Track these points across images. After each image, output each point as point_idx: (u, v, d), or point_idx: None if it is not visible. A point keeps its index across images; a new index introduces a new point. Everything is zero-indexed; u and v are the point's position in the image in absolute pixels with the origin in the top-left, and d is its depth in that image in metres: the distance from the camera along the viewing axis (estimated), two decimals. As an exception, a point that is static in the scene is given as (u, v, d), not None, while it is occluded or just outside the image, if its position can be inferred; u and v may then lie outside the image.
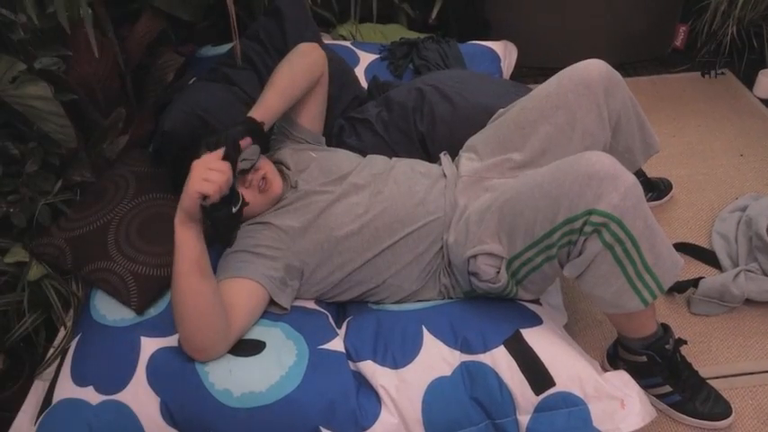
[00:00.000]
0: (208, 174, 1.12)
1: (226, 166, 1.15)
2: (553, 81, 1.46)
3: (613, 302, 1.26)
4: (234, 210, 1.17)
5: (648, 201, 2.01)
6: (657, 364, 1.41)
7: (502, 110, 1.57)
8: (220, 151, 1.18)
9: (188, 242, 1.15)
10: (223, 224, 1.16)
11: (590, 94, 1.42)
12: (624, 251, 1.19)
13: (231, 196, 1.17)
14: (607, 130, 1.46)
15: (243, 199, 1.20)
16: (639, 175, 1.95)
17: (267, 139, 1.43)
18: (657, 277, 1.22)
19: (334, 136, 1.76)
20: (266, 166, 1.45)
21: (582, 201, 1.17)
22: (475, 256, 1.33)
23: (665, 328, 1.42)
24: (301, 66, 1.54)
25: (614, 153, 1.52)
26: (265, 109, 1.42)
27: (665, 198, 2.06)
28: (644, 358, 1.41)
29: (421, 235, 1.40)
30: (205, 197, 1.12)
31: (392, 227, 1.40)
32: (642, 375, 1.41)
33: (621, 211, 1.15)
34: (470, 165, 1.51)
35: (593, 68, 1.43)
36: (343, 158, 1.54)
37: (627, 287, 1.22)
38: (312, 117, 1.63)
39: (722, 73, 2.65)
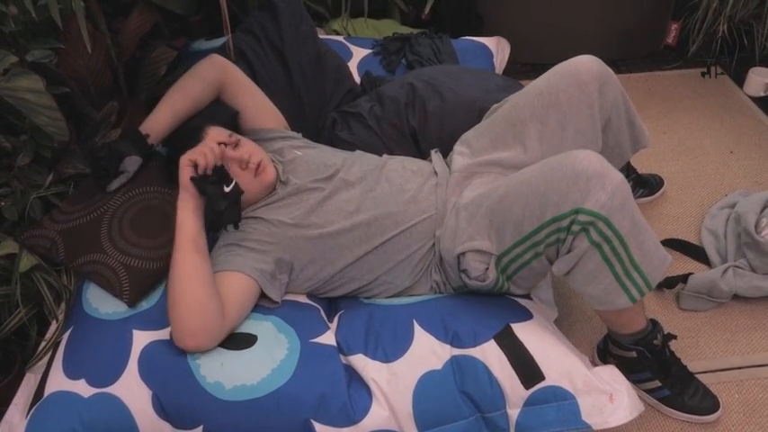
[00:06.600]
0: (199, 149, 1.28)
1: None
2: (545, 78, 1.46)
3: (602, 299, 1.27)
4: (226, 189, 1.27)
5: (639, 197, 2.03)
6: (647, 360, 1.42)
7: (496, 105, 1.57)
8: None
9: (185, 219, 1.26)
10: (216, 202, 1.26)
11: (582, 95, 1.41)
12: (612, 249, 1.19)
13: (223, 178, 1.28)
14: (598, 128, 1.46)
15: (237, 185, 1.30)
16: (631, 171, 1.96)
17: (150, 150, 1.50)
18: (645, 274, 1.23)
19: (327, 129, 1.76)
20: (261, 154, 1.46)
21: (569, 199, 1.17)
22: (464, 253, 1.34)
23: (654, 323, 1.43)
24: (194, 75, 1.60)
25: (604, 148, 1.53)
26: (154, 122, 1.51)
27: (657, 194, 2.07)
28: (633, 354, 1.42)
29: (413, 233, 1.41)
30: (196, 166, 1.26)
31: (384, 224, 1.40)
32: (632, 370, 1.43)
33: (609, 210, 1.15)
34: (462, 160, 1.51)
35: (585, 68, 1.41)
36: (330, 154, 1.54)
37: (615, 285, 1.23)
38: (257, 115, 1.63)
39: (722, 73, 2.64)
